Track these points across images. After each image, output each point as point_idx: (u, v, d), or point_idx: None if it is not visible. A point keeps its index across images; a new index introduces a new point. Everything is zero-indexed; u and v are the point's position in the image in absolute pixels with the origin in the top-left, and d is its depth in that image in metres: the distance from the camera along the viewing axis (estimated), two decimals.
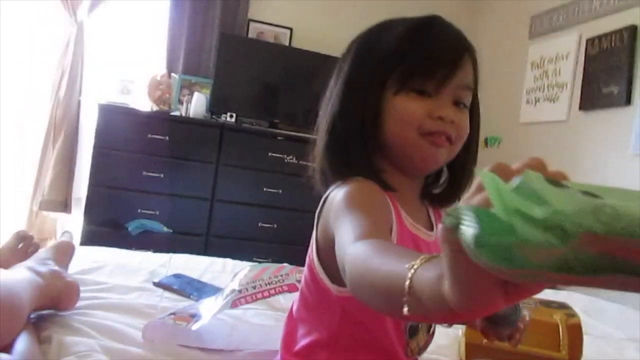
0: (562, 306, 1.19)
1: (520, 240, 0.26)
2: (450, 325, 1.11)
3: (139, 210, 2.76)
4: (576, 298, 1.70)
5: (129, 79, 2.98)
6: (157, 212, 2.78)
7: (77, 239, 2.55)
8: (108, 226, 2.71)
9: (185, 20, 3.09)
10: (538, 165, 0.30)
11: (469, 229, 0.27)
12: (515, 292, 0.31)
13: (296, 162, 2.87)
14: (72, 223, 2.96)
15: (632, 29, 2.33)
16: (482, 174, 0.29)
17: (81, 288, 1.11)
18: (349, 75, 0.78)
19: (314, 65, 3.04)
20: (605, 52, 2.46)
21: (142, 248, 2.10)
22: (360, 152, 0.76)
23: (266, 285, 1.03)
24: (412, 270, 0.39)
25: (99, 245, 1.70)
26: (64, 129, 2.98)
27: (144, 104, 2.94)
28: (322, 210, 0.76)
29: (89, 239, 2.62)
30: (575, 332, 1.09)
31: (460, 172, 0.82)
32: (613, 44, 2.42)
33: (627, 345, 1.38)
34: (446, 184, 0.84)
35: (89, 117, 2.98)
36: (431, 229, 0.81)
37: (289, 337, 0.81)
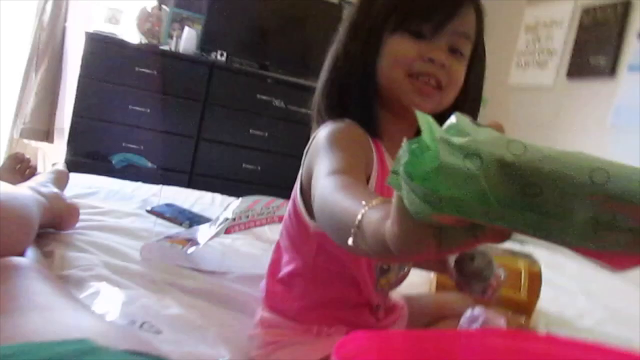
0: (526, 256, 1.29)
1: (443, 164, 0.28)
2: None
3: (123, 144, 2.77)
4: (540, 254, 1.83)
5: (117, 8, 2.91)
6: (142, 147, 2.79)
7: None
8: (91, 158, 2.72)
9: None
10: (496, 124, 0.31)
11: (403, 162, 0.30)
12: (447, 244, 0.33)
13: (284, 106, 2.89)
14: (54, 153, 2.96)
15: (626, 4, 2.38)
16: (417, 113, 0.31)
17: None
18: (353, 17, 0.80)
19: (310, 9, 3.02)
20: (598, 24, 2.51)
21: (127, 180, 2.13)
22: (356, 91, 0.78)
23: (258, 215, 1.09)
24: (366, 207, 0.42)
25: None
26: (48, 55, 2.92)
27: (133, 36, 2.89)
28: (309, 148, 0.78)
29: (72, 170, 2.63)
30: (535, 278, 1.20)
31: None
32: (606, 16, 2.47)
33: (580, 296, 1.52)
34: None
35: (74, 45, 2.92)
36: None
37: (275, 265, 0.87)
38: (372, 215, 0.41)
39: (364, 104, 0.78)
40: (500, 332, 0.79)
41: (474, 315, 0.99)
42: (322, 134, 0.73)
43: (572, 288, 1.58)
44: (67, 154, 2.72)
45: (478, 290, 0.82)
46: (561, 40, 2.73)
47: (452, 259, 0.82)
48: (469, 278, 0.80)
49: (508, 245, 1.65)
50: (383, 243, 0.37)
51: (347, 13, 0.83)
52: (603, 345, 0.63)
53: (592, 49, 2.53)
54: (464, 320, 0.95)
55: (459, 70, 0.77)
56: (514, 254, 1.31)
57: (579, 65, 2.59)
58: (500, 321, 1.00)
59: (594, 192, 0.26)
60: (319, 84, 0.83)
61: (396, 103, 0.77)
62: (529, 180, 0.27)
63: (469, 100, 0.82)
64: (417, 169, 0.29)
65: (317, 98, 0.83)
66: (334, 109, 0.80)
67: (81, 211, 1.18)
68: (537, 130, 2.81)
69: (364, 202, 0.43)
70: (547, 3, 2.91)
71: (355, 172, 0.64)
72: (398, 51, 0.75)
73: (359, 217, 0.42)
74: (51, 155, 2.95)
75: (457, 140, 0.28)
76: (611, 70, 2.40)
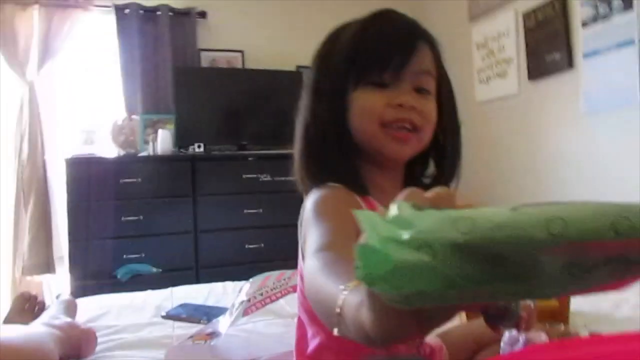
0: None
1: (397, 264, 0.26)
2: None
3: (124, 256, 2.76)
4: None
5: (91, 129, 2.99)
6: (143, 255, 2.78)
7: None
8: (96, 278, 2.70)
9: (137, 62, 3.12)
10: (444, 195, 0.31)
11: (357, 269, 0.28)
12: (429, 322, 0.31)
13: (271, 179, 2.92)
14: (59, 282, 2.94)
15: None
16: (356, 212, 0.29)
17: None
18: (314, 82, 0.81)
19: (271, 83, 3.12)
20: (542, 23, 2.62)
21: (136, 292, 2.11)
22: (333, 153, 0.78)
23: (272, 290, 1.08)
24: (345, 292, 0.39)
25: None
26: (34, 190, 2.96)
27: (111, 151, 2.95)
28: (301, 219, 0.78)
29: (80, 294, 2.60)
30: None
31: (445, 161, 0.82)
32: (547, 15, 2.59)
33: None
34: (435, 175, 0.84)
35: (57, 174, 2.97)
36: None
37: (301, 341, 0.84)
38: (351, 300, 0.38)
39: (346, 164, 0.78)
40: (546, 347, 0.77)
41: (513, 337, 0.97)
42: (308, 204, 0.73)
43: None
44: (71, 280, 2.69)
45: (510, 327, 0.80)
46: (513, 47, 2.84)
47: None
48: (497, 318, 0.79)
49: None
50: (363, 331, 0.34)
51: (307, 77, 0.84)
52: None
53: (545, 48, 2.62)
54: (504, 344, 0.93)
55: (429, 107, 0.78)
56: None
57: (538, 66, 2.68)
58: (541, 336, 0.97)
59: (556, 244, 0.25)
60: (296, 154, 0.83)
61: (378, 155, 0.78)
62: (489, 252, 0.26)
63: (448, 132, 0.82)
64: (374, 273, 0.27)
65: (297, 168, 0.83)
66: (316, 176, 0.80)
67: (98, 333, 1.16)
68: (515, 136, 2.86)
69: (342, 287, 0.40)
70: (488, 18, 3.04)
71: (340, 243, 0.60)
72: (366, 105, 0.75)
73: (340, 303, 0.39)
74: (56, 285, 2.92)
75: (403, 235, 0.27)
76: (568, 62, 2.48)
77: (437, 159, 0.84)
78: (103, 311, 1.42)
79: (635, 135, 2.25)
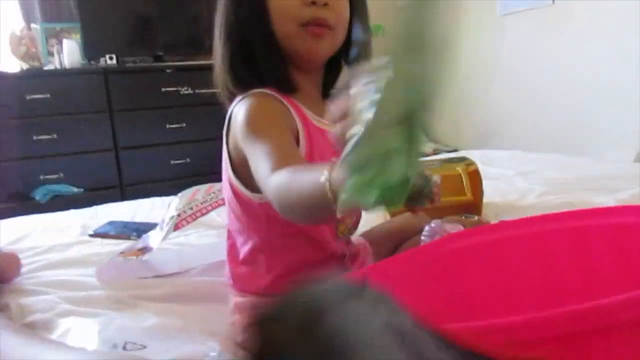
0: (461, 159, 1.36)
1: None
2: None
3: (41, 177, 2.62)
4: (472, 154, 1.93)
5: None
6: (62, 175, 2.66)
7: None
8: (13, 201, 2.57)
9: None
10: None
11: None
12: None
13: (192, 91, 2.81)
14: None
15: None
16: None
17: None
18: None
19: None
20: None
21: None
22: (262, 56, 0.78)
23: (202, 203, 1.08)
24: (327, 182, 0.48)
25: None
26: None
27: (12, 65, 2.69)
28: (229, 127, 0.79)
29: None
30: (475, 177, 1.27)
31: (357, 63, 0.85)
32: None
33: (517, 178, 1.63)
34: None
35: None
36: None
37: (232, 249, 0.88)
38: (335, 182, 0.47)
39: (275, 66, 0.79)
40: (460, 234, 0.84)
41: (433, 229, 1.04)
42: (239, 116, 0.75)
43: (508, 174, 1.69)
44: None
45: (427, 204, 0.89)
46: None
47: None
48: (415, 200, 0.86)
49: (442, 156, 1.72)
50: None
51: None
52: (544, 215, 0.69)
53: None
54: (424, 237, 1.00)
55: (342, 6, 0.80)
56: (449, 160, 1.38)
57: None
58: (458, 227, 1.06)
59: None
60: (218, 59, 0.82)
61: (297, 56, 0.80)
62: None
63: (360, 32, 0.84)
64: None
65: (220, 75, 0.83)
66: (243, 80, 0.80)
67: (21, 255, 1.13)
68: None
69: (322, 179, 0.49)
70: None
71: (290, 153, 0.69)
72: (283, 6, 0.77)
73: (329, 193, 0.48)
74: None
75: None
76: None
77: (350, 62, 0.86)
78: (24, 233, 1.37)
79: (549, 33, 2.36)
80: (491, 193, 1.39)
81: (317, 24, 0.77)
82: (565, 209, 0.73)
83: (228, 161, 0.81)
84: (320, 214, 0.57)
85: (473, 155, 1.71)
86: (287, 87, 0.80)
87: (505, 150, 2.14)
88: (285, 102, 0.79)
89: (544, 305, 0.38)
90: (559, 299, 0.45)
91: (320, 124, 0.82)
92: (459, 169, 1.28)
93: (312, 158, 0.77)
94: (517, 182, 1.59)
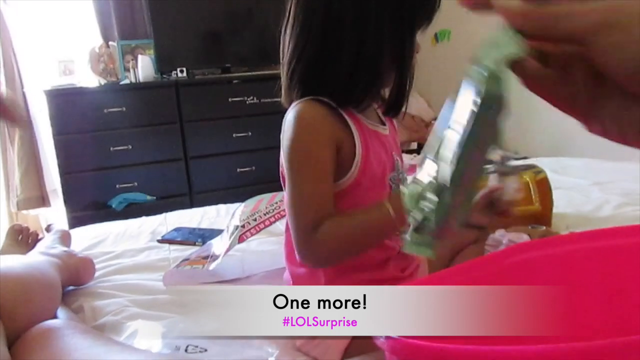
0: (529, 167, 1.30)
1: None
2: None
3: (117, 186, 2.77)
4: (542, 162, 1.84)
5: (68, 59, 2.89)
6: (136, 184, 2.80)
7: (65, 228, 2.57)
8: (92, 209, 2.73)
9: None
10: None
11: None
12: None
13: (257, 101, 2.88)
14: (55, 215, 2.97)
15: None
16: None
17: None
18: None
19: (252, 2, 2.98)
20: None
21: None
22: (354, 70, 0.76)
23: (265, 215, 1.10)
24: (390, 208, 0.58)
25: None
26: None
27: (91, 80, 2.88)
28: (282, 132, 0.81)
29: (77, 225, 2.64)
30: (544, 185, 1.21)
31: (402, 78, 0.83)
32: None
33: (592, 189, 1.53)
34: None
35: (39, 107, 2.91)
36: (382, 123, 0.88)
37: (291, 253, 0.87)
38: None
39: (370, 85, 0.79)
40: (525, 245, 0.80)
41: (496, 239, 1.00)
42: (286, 127, 0.79)
43: (582, 184, 1.59)
44: (67, 212, 2.72)
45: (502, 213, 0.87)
46: None
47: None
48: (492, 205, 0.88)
49: (510, 164, 1.65)
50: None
51: None
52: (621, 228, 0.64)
53: None
54: (489, 245, 0.97)
55: None
56: (516, 168, 1.32)
57: None
58: (522, 237, 1.01)
59: None
60: (300, 65, 0.79)
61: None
62: None
63: None
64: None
65: (288, 81, 0.81)
66: (310, 86, 0.79)
67: (95, 260, 1.19)
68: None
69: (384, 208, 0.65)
70: None
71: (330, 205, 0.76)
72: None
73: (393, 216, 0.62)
74: (53, 218, 2.96)
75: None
76: None
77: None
78: (99, 239, 1.45)
79: None
80: (563, 204, 1.32)
81: None
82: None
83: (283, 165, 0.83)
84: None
85: (543, 163, 1.64)
86: (354, 105, 0.80)
87: (580, 158, 2.02)
88: (342, 112, 0.79)
89: (612, 329, 0.35)
90: (629, 323, 0.41)
91: (372, 126, 0.84)
92: (527, 177, 1.22)
93: (367, 158, 0.79)
94: (592, 193, 1.49)
